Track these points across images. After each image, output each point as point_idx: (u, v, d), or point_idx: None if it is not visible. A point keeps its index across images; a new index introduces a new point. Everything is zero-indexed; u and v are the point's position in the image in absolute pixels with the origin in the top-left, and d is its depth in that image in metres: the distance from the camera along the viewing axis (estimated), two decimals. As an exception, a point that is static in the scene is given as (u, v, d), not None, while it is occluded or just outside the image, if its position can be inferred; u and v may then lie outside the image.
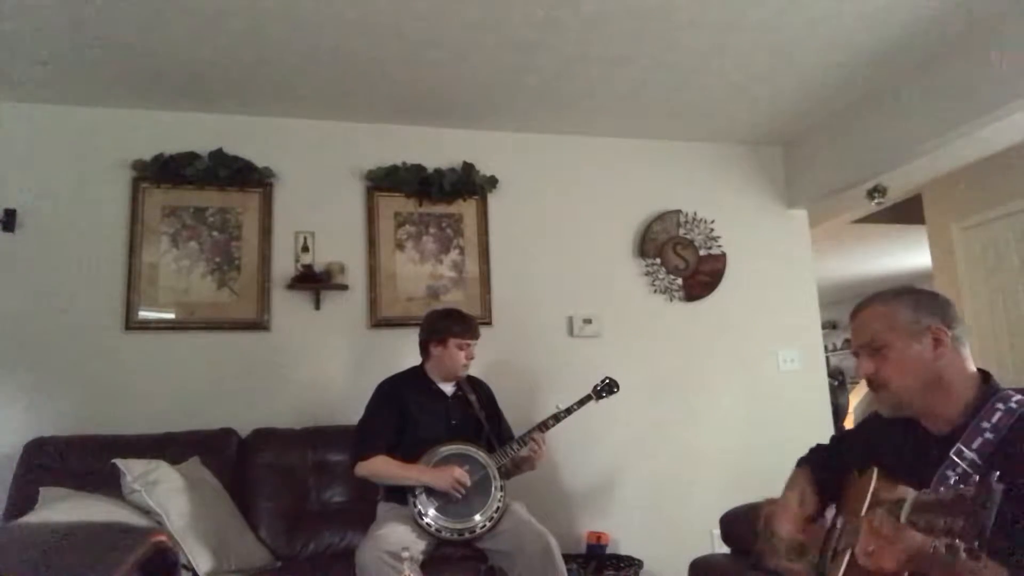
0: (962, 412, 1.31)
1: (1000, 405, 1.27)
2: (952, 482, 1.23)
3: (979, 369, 1.37)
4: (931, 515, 1.01)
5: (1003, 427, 1.24)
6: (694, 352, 3.65)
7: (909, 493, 1.10)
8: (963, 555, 0.92)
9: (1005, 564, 1.09)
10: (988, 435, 1.24)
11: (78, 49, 2.72)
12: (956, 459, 1.24)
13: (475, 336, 2.66)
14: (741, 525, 2.13)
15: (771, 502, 1.63)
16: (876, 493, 1.29)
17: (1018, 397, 1.28)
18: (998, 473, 0.97)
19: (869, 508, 1.27)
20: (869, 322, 1.41)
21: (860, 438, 1.60)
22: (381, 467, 2.46)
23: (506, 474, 2.64)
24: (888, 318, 1.38)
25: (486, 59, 2.92)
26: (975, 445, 1.24)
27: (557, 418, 2.69)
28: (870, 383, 1.41)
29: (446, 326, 2.62)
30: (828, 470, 1.59)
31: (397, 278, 3.37)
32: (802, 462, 1.69)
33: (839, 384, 6.55)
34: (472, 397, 2.70)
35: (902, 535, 1.07)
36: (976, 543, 0.92)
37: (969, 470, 1.22)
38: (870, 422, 1.61)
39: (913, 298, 1.39)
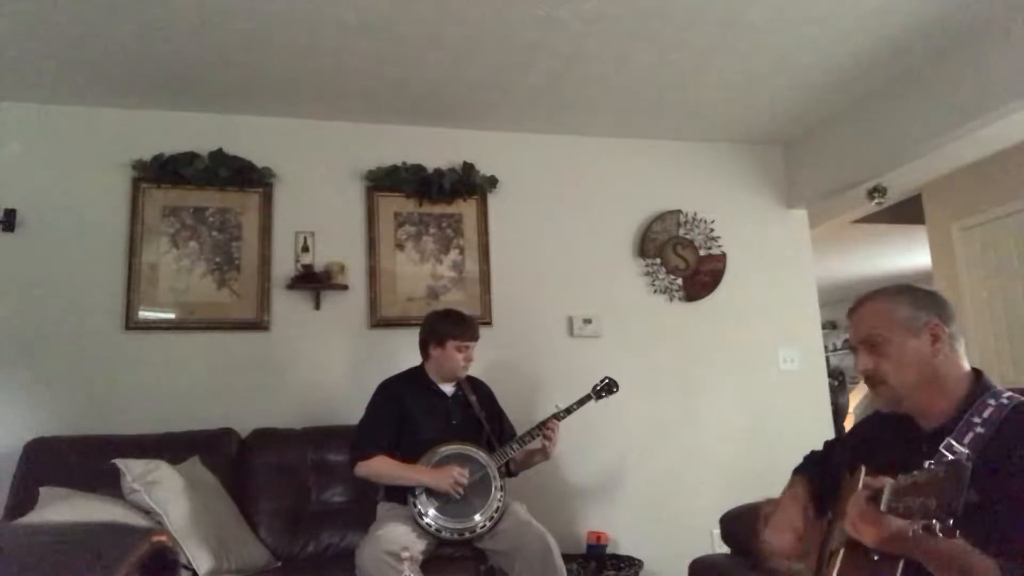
0: (953, 408, 1.32)
1: (991, 401, 1.28)
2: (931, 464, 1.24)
3: (972, 368, 1.38)
4: (908, 498, 1.04)
5: (994, 421, 1.25)
6: (694, 352, 3.65)
7: (888, 481, 1.12)
8: (939, 534, 0.96)
9: (997, 554, 1.09)
10: (979, 429, 1.25)
11: (78, 49, 2.72)
12: (946, 453, 1.25)
13: (473, 338, 2.65)
14: (741, 525, 2.13)
15: (771, 502, 1.63)
16: (865, 486, 1.29)
17: (1009, 393, 1.29)
18: (967, 452, 0.99)
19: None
20: (867, 318, 1.42)
21: (853, 441, 1.61)
22: (381, 467, 2.46)
23: (520, 466, 2.68)
24: (886, 314, 1.39)
25: (486, 59, 2.92)
26: (966, 440, 1.24)
27: (557, 418, 2.69)
28: (868, 379, 1.42)
29: (445, 328, 2.62)
30: (823, 475, 1.59)
31: (397, 278, 3.37)
32: (797, 471, 1.68)
33: (839, 384, 6.56)
34: (472, 398, 2.70)
35: (883, 522, 1.10)
36: (951, 521, 0.95)
37: None
38: (863, 424, 1.62)
39: (911, 295, 1.41)
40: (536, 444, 2.62)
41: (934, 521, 0.96)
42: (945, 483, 0.97)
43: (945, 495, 0.96)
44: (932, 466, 1.04)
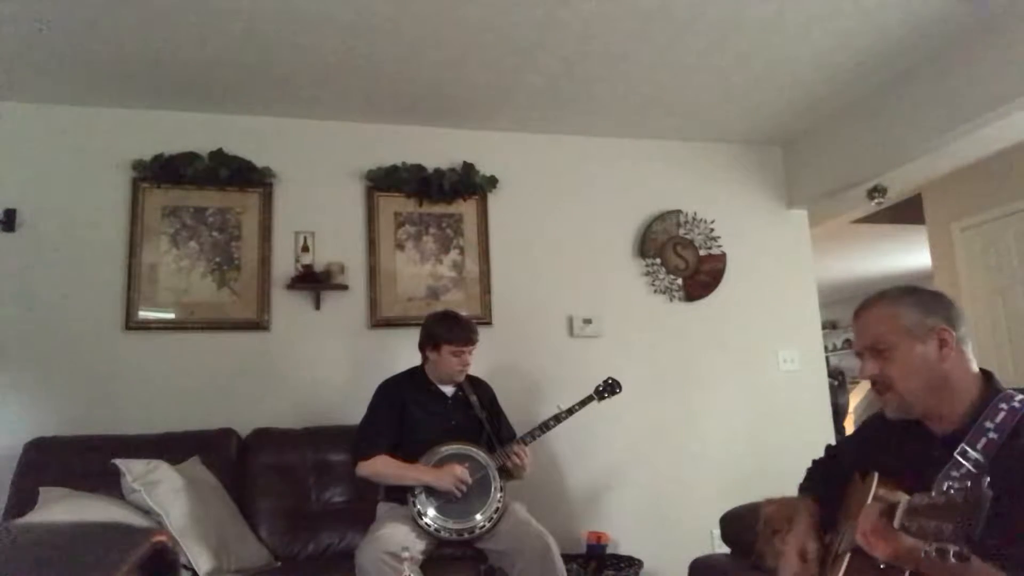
0: (965, 412, 1.30)
1: (1003, 405, 1.26)
2: (950, 484, 1.22)
3: (981, 369, 1.36)
4: (923, 519, 1.02)
5: (1007, 426, 1.23)
6: (694, 352, 3.65)
7: (903, 497, 1.11)
8: (952, 559, 0.94)
9: (1004, 566, 1.09)
10: (992, 435, 1.23)
11: (78, 49, 2.72)
12: (960, 459, 1.23)
13: (469, 342, 2.61)
14: (741, 525, 2.13)
15: (770, 502, 1.62)
16: (877, 497, 1.28)
17: (1021, 397, 1.28)
18: (988, 479, 0.98)
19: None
20: (873, 323, 1.39)
21: (859, 443, 1.58)
22: (382, 467, 2.46)
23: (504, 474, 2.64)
24: (893, 319, 1.36)
25: (486, 59, 2.92)
26: (979, 445, 1.23)
27: (558, 418, 2.69)
28: (874, 385, 1.40)
29: (440, 332, 2.60)
30: (830, 488, 1.55)
31: (397, 278, 3.37)
32: (803, 491, 1.63)
33: (839, 384, 6.55)
34: (473, 398, 2.69)
35: (895, 539, 1.09)
36: (965, 547, 0.93)
37: (973, 470, 1.21)
38: (870, 425, 1.59)
39: (917, 298, 1.37)
40: (509, 464, 2.56)
41: (948, 545, 0.95)
42: (964, 509, 0.96)
43: (963, 521, 0.95)
44: (951, 488, 1.02)
